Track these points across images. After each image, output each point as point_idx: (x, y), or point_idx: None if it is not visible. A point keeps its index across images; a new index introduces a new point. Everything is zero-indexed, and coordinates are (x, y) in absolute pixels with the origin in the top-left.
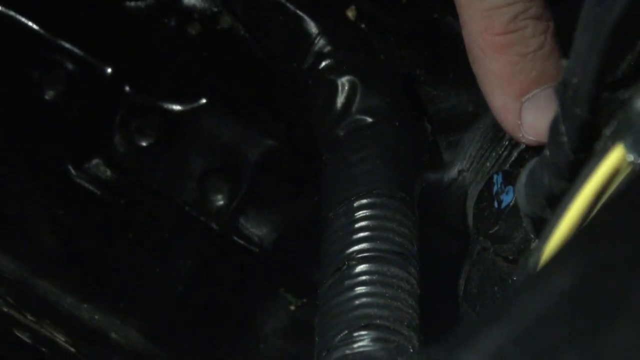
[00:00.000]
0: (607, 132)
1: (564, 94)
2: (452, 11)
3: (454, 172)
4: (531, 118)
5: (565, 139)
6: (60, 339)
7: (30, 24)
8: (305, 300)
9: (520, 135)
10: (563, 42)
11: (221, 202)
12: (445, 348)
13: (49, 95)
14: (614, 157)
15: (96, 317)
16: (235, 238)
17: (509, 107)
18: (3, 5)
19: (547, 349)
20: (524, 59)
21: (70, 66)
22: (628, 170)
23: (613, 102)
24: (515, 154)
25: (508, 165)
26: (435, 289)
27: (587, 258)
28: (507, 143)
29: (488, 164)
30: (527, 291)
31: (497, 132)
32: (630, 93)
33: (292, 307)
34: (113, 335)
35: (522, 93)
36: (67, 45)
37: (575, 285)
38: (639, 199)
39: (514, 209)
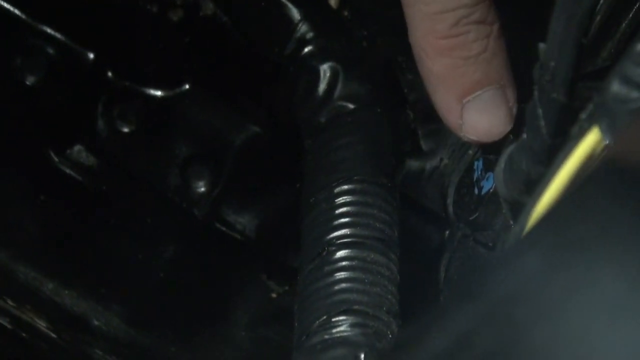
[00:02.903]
0: (583, 115)
1: (541, 77)
2: None
3: (435, 159)
4: (472, 118)
5: (542, 122)
6: (41, 324)
7: (11, 8)
8: (287, 287)
9: (462, 134)
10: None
11: (203, 189)
12: (414, 328)
13: (30, 80)
14: (590, 141)
15: (78, 303)
16: (217, 225)
17: (450, 107)
18: None
19: (514, 328)
20: (466, 62)
21: (51, 51)
22: (604, 153)
23: (589, 86)
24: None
25: (490, 152)
26: (416, 275)
27: (556, 238)
28: None
29: (470, 151)
30: (497, 271)
31: None
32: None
33: (274, 295)
34: (95, 321)
35: (463, 94)
36: (49, 31)
37: (543, 264)
38: (607, 181)
39: (494, 195)
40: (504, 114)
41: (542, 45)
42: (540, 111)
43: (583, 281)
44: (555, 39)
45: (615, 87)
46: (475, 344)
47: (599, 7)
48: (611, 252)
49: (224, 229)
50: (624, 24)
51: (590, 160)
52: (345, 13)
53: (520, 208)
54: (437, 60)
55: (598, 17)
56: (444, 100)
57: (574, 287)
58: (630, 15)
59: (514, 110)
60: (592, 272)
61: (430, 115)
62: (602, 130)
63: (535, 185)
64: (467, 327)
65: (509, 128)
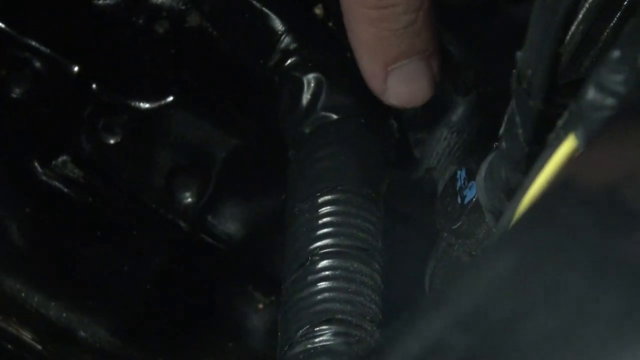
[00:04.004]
0: (559, 123)
1: (518, 85)
2: None
3: (421, 169)
4: (396, 85)
5: (520, 130)
6: (27, 336)
7: None
8: (273, 298)
9: (385, 99)
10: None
11: (189, 200)
12: (387, 334)
13: (15, 93)
14: (566, 148)
15: (64, 315)
16: (203, 236)
17: (375, 74)
18: None
19: (486, 333)
20: (394, 33)
21: (37, 64)
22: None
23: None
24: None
25: (475, 162)
26: (401, 285)
27: (527, 242)
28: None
29: (457, 159)
30: (469, 276)
31: (465, 130)
32: None
33: (261, 305)
34: (81, 333)
35: (389, 63)
36: (34, 44)
37: (514, 269)
38: (576, 185)
39: (476, 204)
40: (427, 83)
41: (519, 54)
42: (518, 119)
43: (553, 286)
44: (532, 47)
45: (591, 94)
46: (447, 349)
47: (581, 16)
48: (580, 256)
49: (209, 240)
50: (605, 34)
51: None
52: (330, 24)
53: (501, 216)
54: (365, 29)
55: (581, 27)
56: (369, 67)
57: (545, 292)
58: (612, 25)
59: (437, 79)
60: (562, 277)
61: (415, 125)
62: (578, 138)
63: (514, 194)
64: (439, 332)
65: (430, 96)
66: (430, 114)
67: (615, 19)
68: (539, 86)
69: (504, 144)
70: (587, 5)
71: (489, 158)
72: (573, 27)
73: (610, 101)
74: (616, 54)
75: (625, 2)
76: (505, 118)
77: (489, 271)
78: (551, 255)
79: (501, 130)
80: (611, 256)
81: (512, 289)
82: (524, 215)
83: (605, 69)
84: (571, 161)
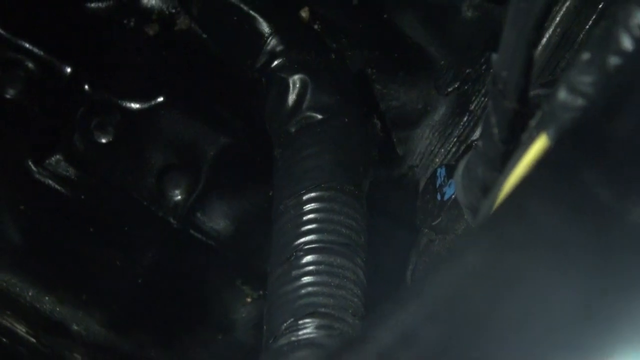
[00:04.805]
0: (532, 122)
1: (494, 86)
2: (402, 12)
3: (404, 167)
4: None
5: (495, 130)
6: (21, 330)
7: None
8: (261, 292)
9: None
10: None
11: (179, 197)
12: (363, 326)
13: (9, 93)
14: (538, 147)
15: (58, 309)
16: (193, 232)
17: None
18: None
19: (455, 323)
20: None
21: (30, 65)
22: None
23: (538, 96)
24: (463, 148)
25: (455, 160)
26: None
27: (494, 238)
28: (455, 139)
29: (437, 159)
30: (439, 270)
31: (446, 129)
32: None
33: (249, 299)
34: (74, 326)
35: None
36: (27, 45)
37: (482, 263)
38: (542, 185)
39: (455, 201)
40: None
41: (494, 56)
42: (493, 119)
43: (516, 279)
44: (506, 50)
45: (562, 95)
46: (418, 340)
47: (558, 19)
48: (542, 250)
49: (199, 236)
50: (580, 36)
51: None
52: (316, 26)
53: (478, 212)
54: None
55: (558, 29)
56: None
57: (509, 284)
58: (586, 28)
59: None
60: (525, 270)
61: (398, 124)
62: (550, 137)
63: (490, 191)
64: (411, 324)
65: None
66: (413, 113)
67: (590, 22)
68: (514, 87)
69: (480, 143)
70: (564, 8)
71: (467, 157)
72: (551, 30)
73: (580, 102)
74: (586, 56)
75: (600, 6)
76: (482, 118)
77: (458, 265)
78: (516, 249)
79: (476, 133)
80: (572, 249)
81: (480, 282)
82: (493, 212)
83: (576, 70)
84: (542, 159)
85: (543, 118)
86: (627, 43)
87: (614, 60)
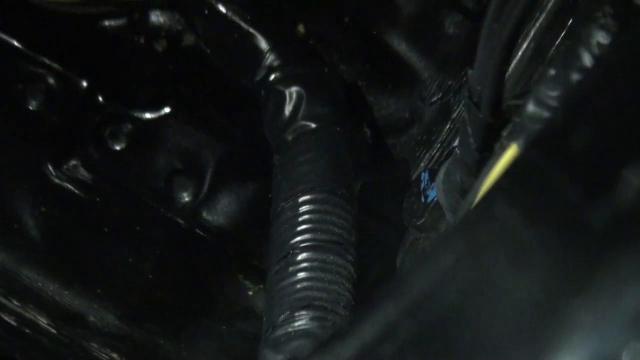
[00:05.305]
0: (504, 133)
1: (469, 100)
2: (389, 30)
3: (390, 171)
4: None
5: (471, 139)
6: (42, 321)
7: (14, 42)
8: (261, 286)
9: None
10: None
11: (186, 200)
12: (348, 320)
13: (31, 105)
14: (509, 155)
15: (76, 302)
16: (198, 231)
17: None
18: None
19: (432, 317)
20: None
21: (50, 79)
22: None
23: (511, 107)
24: (445, 153)
25: (438, 165)
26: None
27: (466, 239)
28: (438, 145)
29: (422, 164)
30: (418, 268)
31: (430, 136)
32: None
33: (250, 293)
34: (91, 318)
35: None
36: (47, 61)
37: (455, 262)
38: (509, 189)
39: (438, 203)
40: None
41: (470, 72)
42: (469, 129)
43: (484, 276)
44: (481, 66)
45: (531, 108)
46: (397, 333)
47: (532, 35)
48: (506, 249)
49: (204, 235)
50: (551, 52)
51: None
52: (311, 42)
53: (457, 213)
54: None
55: (532, 44)
56: None
57: (478, 281)
58: (556, 44)
59: None
60: (491, 268)
61: (386, 132)
62: (519, 146)
63: (467, 194)
64: (391, 318)
65: None
66: (400, 121)
67: (560, 37)
68: (487, 101)
69: (458, 151)
70: (537, 25)
71: (447, 163)
72: (525, 44)
73: (547, 114)
74: (552, 72)
75: (569, 24)
76: (460, 128)
77: (434, 264)
78: (484, 250)
79: (457, 140)
80: (533, 249)
81: (453, 280)
82: (465, 214)
83: (543, 85)
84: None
85: (514, 129)
86: (587, 60)
87: (576, 76)
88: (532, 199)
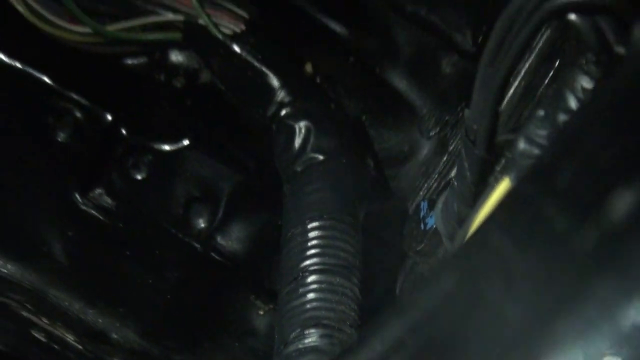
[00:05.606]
0: (498, 168)
1: (466, 137)
2: (391, 68)
3: (393, 200)
4: None
5: (468, 173)
6: (70, 338)
7: (45, 78)
8: (271, 306)
9: None
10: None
11: (202, 225)
12: (357, 337)
13: (60, 137)
14: (502, 189)
15: (100, 320)
16: (214, 255)
17: None
18: (24, 64)
19: (433, 335)
20: None
21: (77, 113)
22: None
23: (504, 143)
24: (443, 184)
25: (436, 195)
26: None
27: (464, 265)
28: (436, 176)
29: (421, 193)
30: (421, 291)
31: (429, 167)
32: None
33: (261, 312)
34: (114, 335)
35: None
36: (75, 96)
37: (454, 286)
38: (502, 220)
39: (436, 230)
40: None
41: (467, 111)
42: (466, 164)
43: (479, 299)
44: (476, 107)
45: (522, 145)
46: (403, 348)
47: (522, 73)
48: (498, 275)
49: (219, 258)
50: (540, 90)
51: None
52: (318, 79)
53: (454, 240)
54: None
55: (522, 82)
56: None
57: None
58: (545, 83)
59: None
60: (485, 292)
61: (388, 163)
62: (512, 180)
63: (463, 223)
64: (397, 335)
65: None
66: (400, 154)
67: (548, 77)
68: (482, 139)
69: (456, 183)
70: (527, 65)
71: (445, 194)
72: (516, 83)
73: (537, 151)
74: (541, 113)
75: (556, 64)
76: (457, 162)
77: (436, 288)
78: (479, 275)
79: (454, 172)
80: (522, 274)
81: (452, 302)
82: (463, 243)
83: (533, 125)
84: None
85: (506, 164)
86: (572, 103)
87: (562, 117)
88: (523, 229)
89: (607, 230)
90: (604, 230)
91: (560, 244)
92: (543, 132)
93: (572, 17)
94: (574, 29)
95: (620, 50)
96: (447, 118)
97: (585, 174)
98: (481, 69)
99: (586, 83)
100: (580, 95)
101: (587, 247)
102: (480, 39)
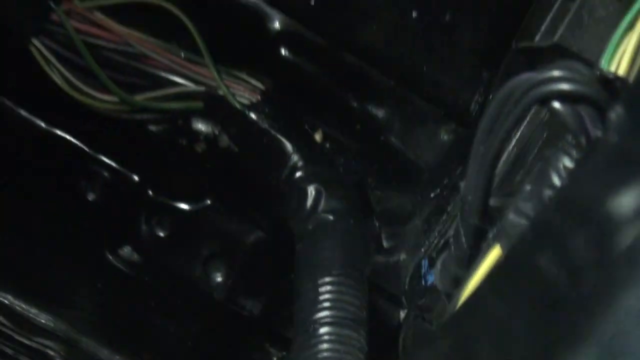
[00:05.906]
0: (490, 235)
1: (462, 207)
2: (394, 136)
3: (396, 256)
4: None
5: (463, 239)
6: None
7: (77, 143)
8: (284, 353)
9: None
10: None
11: (220, 279)
12: None
13: (90, 197)
14: (494, 255)
15: None
16: (231, 306)
17: None
18: (59, 130)
19: None
20: None
21: (107, 175)
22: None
23: (496, 211)
24: (442, 241)
25: (435, 252)
26: (381, 346)
27: (458, 330)
28: (436, 234)
29: (422, 250)
30: (423, 350)
31: (430, 226)
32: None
33: (275, 359)
34: None
35: None
36: (105, 159)
37: (451, 347)
38: (494, 285)
39: (436, 287)
40: None
41: (462, 184)
42: (461, 230)
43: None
44: (470, 181)
45: (511, 216)
46: None
47: (514, 142)
48: (489, 336)
49: (236, 309)
50: (530, 158)
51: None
52: (327, 145)
53: (451, 298)
54: None
55: (514, 150)
56: None
57: None
58: (535, 151)
59: None
60: (478, 353)
61: (392, 222)
62: (502, 247)
63: (460, 283)
64: None
65: None
66: (403, 213)
67: (537, 149)
68: (476, 209)
69: (452, 247)
70: (518, 134)
71: (443, 255)
72: (509, 149)
73: (524, 222)
74: (527, 187)
75: (545, 135)
76: (454, 229)
77: (436, 347)
78: (472, 338)
79: (452, 231)
80: (514, 334)
81: None
82: (461, 306)
83: (521, 198)
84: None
85: (498, 232)
86: (555, 180)
87: (547, 192)
88: (514, 290)
89: (588, 285)
90: (585, 284)
91: (548, 304)
92: (530, 205)
93: (556, 104)
94: (557, 114)
95: (597, 134)
96: (445, 181)
97: (570, 239)
98: (474, 146)
99: (567, 162)
100: (563, 173)
101: (571, 303)
102: (476, 109)
